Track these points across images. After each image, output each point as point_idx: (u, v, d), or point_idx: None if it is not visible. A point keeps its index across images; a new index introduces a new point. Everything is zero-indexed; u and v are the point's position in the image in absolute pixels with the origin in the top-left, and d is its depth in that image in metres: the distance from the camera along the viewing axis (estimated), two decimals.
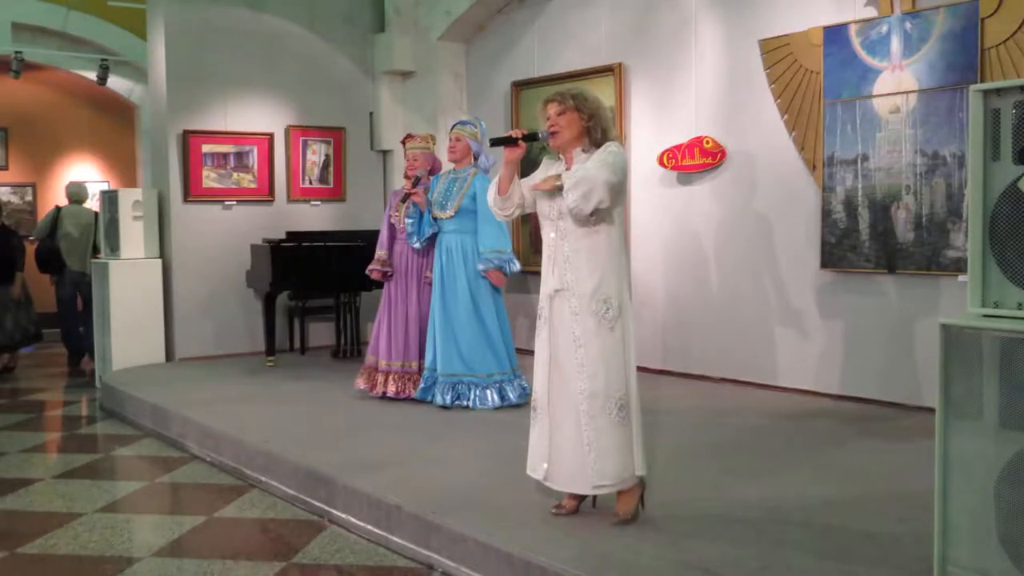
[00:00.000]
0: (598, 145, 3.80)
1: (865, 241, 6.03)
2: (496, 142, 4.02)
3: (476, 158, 6.26)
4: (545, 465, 3.86)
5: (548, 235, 3.86)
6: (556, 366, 3.82)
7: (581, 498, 3.92)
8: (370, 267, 6.62)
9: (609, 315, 3.73)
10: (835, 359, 6.30)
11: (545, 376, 3.86)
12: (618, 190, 3.70)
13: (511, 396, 6.09)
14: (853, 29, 6.02)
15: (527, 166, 4.32)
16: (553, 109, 3.80)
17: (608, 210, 3.71)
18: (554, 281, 3.81)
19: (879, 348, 6.06)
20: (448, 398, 6.04)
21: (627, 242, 6.65)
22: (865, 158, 6.00)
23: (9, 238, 9.33)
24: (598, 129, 3.80)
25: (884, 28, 5.87)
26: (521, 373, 6.16)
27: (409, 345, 6.44)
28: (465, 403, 6.02)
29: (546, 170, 3.94)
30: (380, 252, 6.61)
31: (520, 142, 3.88)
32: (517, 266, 6.15)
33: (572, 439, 3.77)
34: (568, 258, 3.77)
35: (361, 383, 6.51)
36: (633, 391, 3.79)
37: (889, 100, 5.86)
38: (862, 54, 5.98)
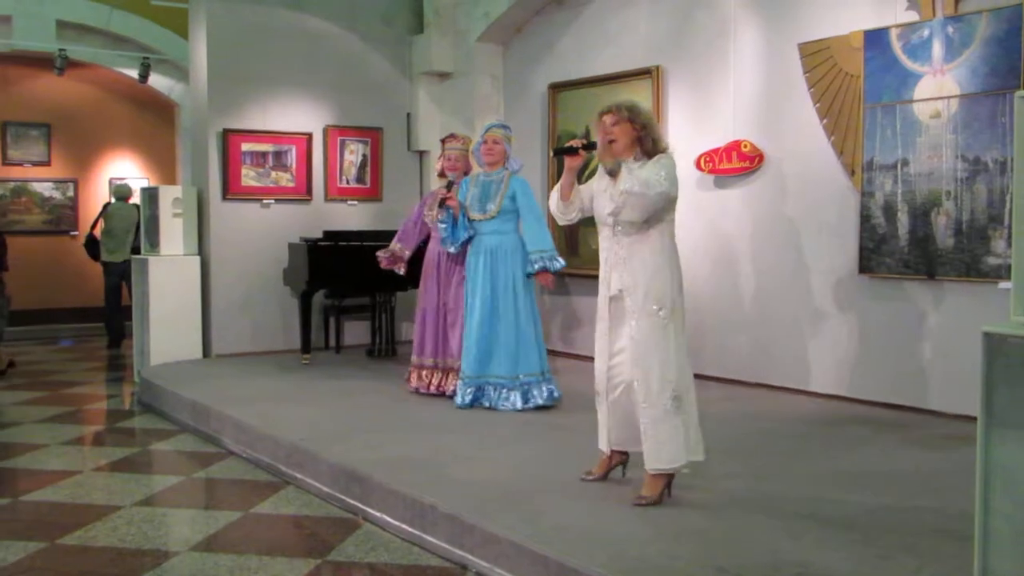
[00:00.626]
0: (650, 155, 4.12)
1: (904, 247, 5.97)
2: (559, 152, 4.38)
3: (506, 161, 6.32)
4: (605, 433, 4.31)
5: (604, 239, 4.20)
6: (613, 359, 4.20)
7: (611, 467, 4.37)
8: (380, 252, 6.84)
9: (662, 314, 4.06)
10: (873, 365, 6.24)
11: (604, 366, 4.24)
12: (670, 197, 4.08)
13: (543, 398, 6.10)
14: (894, 33, 5.96)
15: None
16: (609, 119, 4.14)
17: (660, 215, 4.08)
18: (611, 283, 4.17)
19: (918, 355, 5.99)
20: (484, 399, 6.08)
21: None
22: (905, 163, 5.94)
23: None
24: (649, 139, 4.13)
25: (926, 32, 5.81)
26: (552, 376, 6.18)
27: (449, 344, 6.50)
28: (501, 404, 6.05)
29: (601, 177, 4.22)
30: (395, 245, 6.82)
31: (580, 151, 4.21)
32: (561, 263, 6.17)
33: (628, 414, 4.16)
34: (623, 260, 4.12)
35: (413, 381, 6.64)
36: (686, 383, 4.12)
37: (930, 105, 5.80)
38: (903, 58, 5.93)
